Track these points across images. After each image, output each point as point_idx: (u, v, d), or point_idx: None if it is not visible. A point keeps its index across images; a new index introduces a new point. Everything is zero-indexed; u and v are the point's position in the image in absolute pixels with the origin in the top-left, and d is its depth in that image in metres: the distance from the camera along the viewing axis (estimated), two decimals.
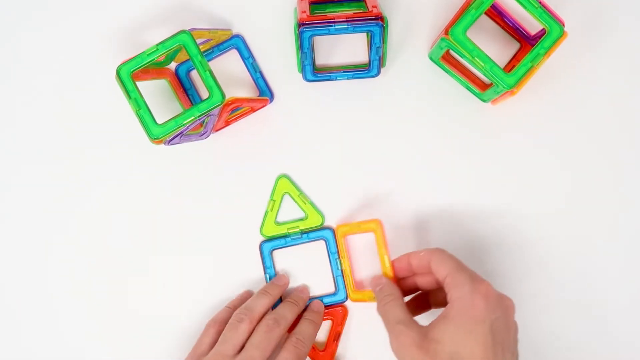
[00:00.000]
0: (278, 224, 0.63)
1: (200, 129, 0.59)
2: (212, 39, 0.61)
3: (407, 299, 0.57)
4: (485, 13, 0.63)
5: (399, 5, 0.63)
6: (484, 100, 0.62)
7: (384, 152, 0.63)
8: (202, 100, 0.54)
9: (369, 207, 0.63)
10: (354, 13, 0.57)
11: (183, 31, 0.54)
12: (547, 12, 0.55)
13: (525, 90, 0.57)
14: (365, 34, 0.63)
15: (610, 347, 0.62)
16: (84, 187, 0.63)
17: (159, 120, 0.54)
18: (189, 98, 0.63)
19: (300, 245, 0.63)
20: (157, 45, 0.54)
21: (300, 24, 0.57)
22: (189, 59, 0.62)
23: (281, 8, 0.63)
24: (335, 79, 0.62)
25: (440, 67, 0.62)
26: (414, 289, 0.58)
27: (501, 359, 0.50)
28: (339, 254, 0.62)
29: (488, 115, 0.63)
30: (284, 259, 0.63)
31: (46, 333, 0.63)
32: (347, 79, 0.62)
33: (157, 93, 0.63)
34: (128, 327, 0.63)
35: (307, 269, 0.63)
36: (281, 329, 0.57)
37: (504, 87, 0.56)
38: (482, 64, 0.56)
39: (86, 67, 0.63)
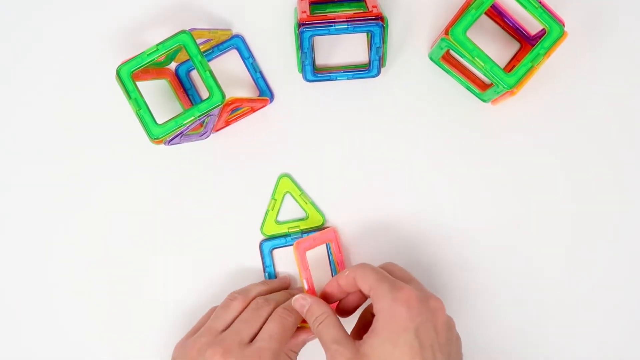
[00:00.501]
0: (279, 223, 0.63)
1: (200, 129, 0.59)
2: (212, 39, 0.61)
3: (354, 317, 0.57)
4: (485, 13, 0.63)
5: (399, 5, 0.63)
6: (484, 100, 0.62)
7: (383, 152, 0.63)
8: (202, 100, 0.54)
9: (368, 206, 0.63)
10: (354, 13, 0.57)
11: (183, 31, 0.54)
12: (547, 12, 0.55)
13: (525, 90, 0.57)
14: (365, 34, 0.63)
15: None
16: (84, 186, 0.63)
17: (159, 120, 0.54)
18: (189, 98, 0.63)
19: None
20: (157, 45, 0.54)
21: (300, 24, 0.57)
22: (189, 59, 0.62)
23: (281, 8, 0.63)
24: (335, 79, 0.62)
25: (440, 67, 0.62)
26: (354, 307, 0.57)
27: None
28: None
29: (488, 115, 0.63)
30: (283, 258, 0.63)
31: (45, 332, 0.63)
32: (347, 79, 0.62)
33: (157, 93, 0.63)
34: (128, 326, 0.63)
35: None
36: (271, 307, 0.57)
37: (504, 87, 0.56)
38: (482, 64, 0.56)
39: (86, 67, 0.63)
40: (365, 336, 0.51)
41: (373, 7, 0.58)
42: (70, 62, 0.64)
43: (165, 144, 0.55)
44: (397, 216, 0.63)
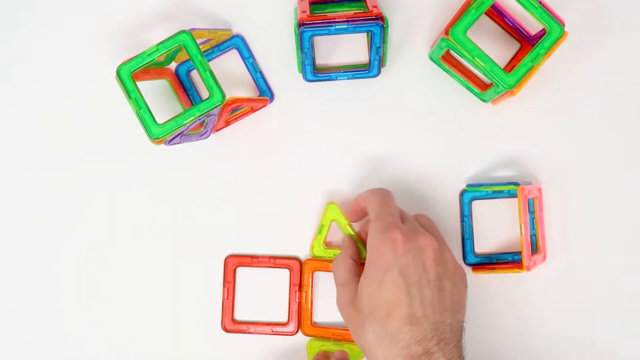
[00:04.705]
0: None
1: (200, 129, 0.59)
2: (212, 39, 0.61)
3: None
4: (485, 13, 0.63)
5: (399, 5, 0.63)
6: (484, 100, 0.62)
7: (383, 152, 0.63)
8: (202, 100, 0.54)
9: None
10: (354, 13, 0.57)
11: (183, 31, 0.54)
12: (547, 12, 0.55)
13: (525, 90, 0.57)
14: (365, 34, 0.63)
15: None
16: (83, 186, 0.63)
17: (159, 120, 0.54)
18: (189, 98, 0.63)
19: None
20: (157, 45, 0.54)
21: (301, 24, 0.57)
22: (189, 59, 0.62)
23: (281, 8, 0.63)
24: (336, 79, 0.62)
25: (440, 67, 0.62)
26: None
27: (418, 298, 0.51)
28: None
29: (488, 115, 0.63)
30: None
31: (40, 337, 0.63)
32: (347, 79, 0.62)
33: (157, 93, 0.63)
34: (128, 331, 0.63)
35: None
36: None
37: (504, 87, 0.56)
38: (482, 64, 0.56)
39: (86, 67, 0.63)
40: (361, 275, 0.54)
41: (373, 7, 0.58)
42: (70, 62, 0.64)
43: (165, 144, 0.55)
44: None
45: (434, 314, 0.51)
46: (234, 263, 0.62)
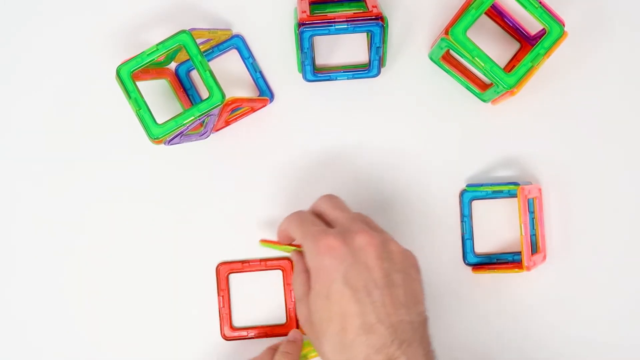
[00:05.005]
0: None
1: (200, 129, 0.59)
2: (212, 39, 0.61)
3: None
4: (485, 13, 0.63)
5: (399, 5, 0.63)
6: (484, 100, 0.62)
7: (383, 151, 0.63)
8: (202, 100, 0.54)
9: (368, 206, 0.63)
10: (354, 13, 0.57)
11: (183, 31, 0.54)
12: (547, 12, 0.55)
13: (525, 90, 0.57)
14: (365, 34, 0.63)
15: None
16: (83, 186, 0.63)
17: (159, 120, 0.54)
18: (189, 98, 0.63)
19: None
20: (157, 45, 0.54)
21: (300, 24, 0.57)
22: (189, 59, 0.62)
23: (281, 8, 0.63)
24: (335, 79, 0.62)
25: (440, 67, 0.62)
26: None
27: (368, 303, 0.48)
28: None
29: (488, 115, 0.63)
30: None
31: (40, 337, 0.63)
32: (347, 79, 0.62)
33: (157, 93, 0.63)
34: (128, 330, 0.63)
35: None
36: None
37: (504, 87, 0.56)
38: (482, 64, 0.56)
39: (86, 67, 0.63)
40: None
41: (373, 7, 0.58)
42: (70, 62, 0.64)
43: (165, 143, 0.55)
44: (397, 215, 0.63)
45: (389, 316, 0.48)
46: (225, 270, 0.62)
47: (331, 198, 0.56)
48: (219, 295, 0.62)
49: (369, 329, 0.48)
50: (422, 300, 0.51)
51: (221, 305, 0.62)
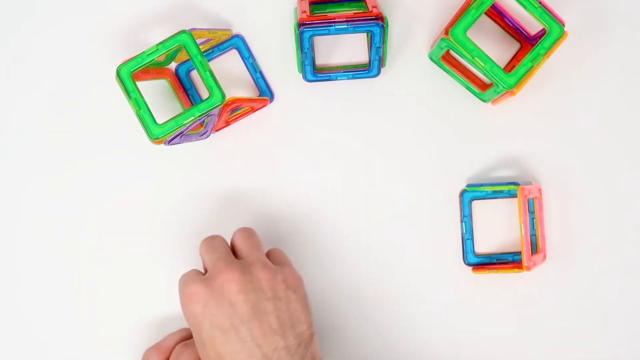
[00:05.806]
0: None
1: (200, 129, 0.59)
2: (212, 39, 0.61)
3: None
4: (485, 13, 0.63)
5: (399, 5, 0.63)
6: (484, 100, 0.62)
7: (383, 151, 0.63)
8: (202, 100, 0.54)
9: (368, 206, 0.63)
10: (354, 13, 0.57)
11: (183, 31, 0.54)
12: (547, 12, 0.55)
13: (525, 90, 0.57)
14: (365, 34, 0.63)
15: None
16: (83, 186, 0.63)
17: (159, 120, 0.54)
18: (189, 98, 0.63)
19: None
20: (157, 45, 0.54)
21: (300, 24, 0.57)
22: (189, 59, 0.62)
23: (281, 8, 0.63)
24: (335, 79, 0.62)
25: (440, 67, 0.62)
26: None
27: (237, 340, 0.49)
28: None
29: (488, 115, 0.63)
30: None
31: (39, 337, 0.63)
32: (347, 79, 0.62)
33: (157, 93, 0.63)
34: (128, 332, 0.63)
35: None
36: (191, 349, 0.56)
37: (504, 87, 0.56)
38: (482, 64, 0.56)
39: (86, 67, 0.63)
40: None
41: (373, 7, 0.58)
42: (70, 62, 0.64)
43: (165, 144, 0.55)
44: (397, 214, 0.63)
45: (261, 348, 0.48)
46: None
47: (242, 232, 0.57)
48: None
49: None
50: (302, 319, 0.51)
51: None
